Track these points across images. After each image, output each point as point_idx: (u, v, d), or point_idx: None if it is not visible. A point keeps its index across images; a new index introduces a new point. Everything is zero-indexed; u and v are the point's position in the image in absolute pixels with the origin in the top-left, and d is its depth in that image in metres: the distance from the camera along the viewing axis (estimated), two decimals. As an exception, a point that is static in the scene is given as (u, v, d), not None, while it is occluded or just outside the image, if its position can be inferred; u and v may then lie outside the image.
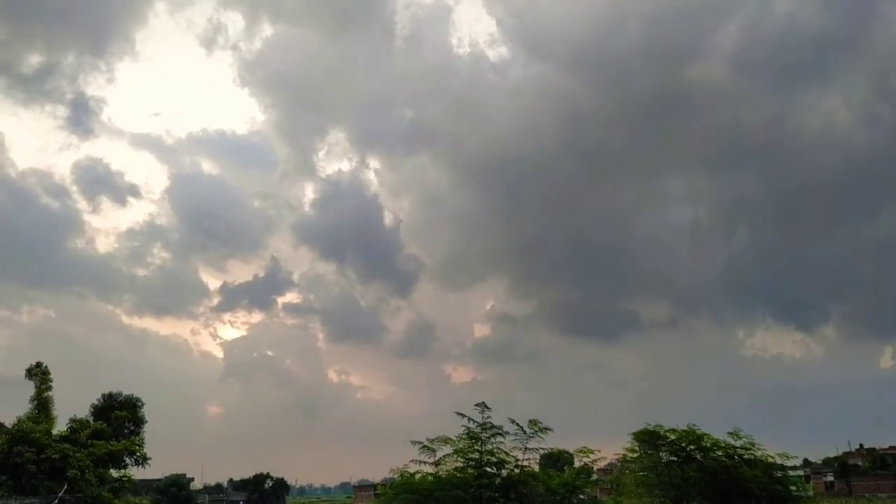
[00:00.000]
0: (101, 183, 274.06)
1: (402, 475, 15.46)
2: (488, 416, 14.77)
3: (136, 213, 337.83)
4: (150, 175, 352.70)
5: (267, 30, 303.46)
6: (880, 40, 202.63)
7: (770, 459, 18.10)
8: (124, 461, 32.20)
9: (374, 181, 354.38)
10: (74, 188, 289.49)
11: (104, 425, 34.14)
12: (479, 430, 14.74)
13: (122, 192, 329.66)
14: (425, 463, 15.10)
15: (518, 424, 14.87)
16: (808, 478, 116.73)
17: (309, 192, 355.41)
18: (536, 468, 16.22)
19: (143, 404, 41.93)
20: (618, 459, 21.34)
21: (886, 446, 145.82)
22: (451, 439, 15.11)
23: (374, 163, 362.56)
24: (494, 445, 14.85)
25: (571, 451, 19.80)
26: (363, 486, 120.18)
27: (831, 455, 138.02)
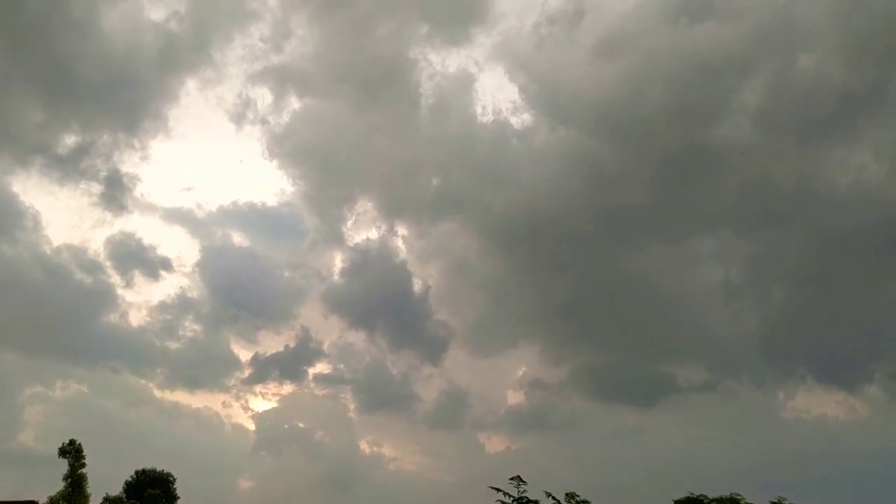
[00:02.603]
0: (134, 257, 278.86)
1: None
2: (524, 490, 14.48)
3: (168, 287, 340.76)
4: (182, 248, 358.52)
5: (294, 103, 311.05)
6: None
7: (817, 528, 17.49)
8: (157, 540, 31.93)
9: (402, 248, 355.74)
10: (108, 263, 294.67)
11: (138, 503, 34.01)
12: (514, 504, 14.43)
13: (154, 266, 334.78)
14: (461, 539, 14.81)
15: (555, 498, 14.54)
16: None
17: (338, 261, 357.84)
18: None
19: (174, 480, 41.80)
20: (659, 530, 20.72)
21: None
22: (486, 514, 14.81)
23: (401, 230, 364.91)
24: (532, 520, 14.51)
25: (611, 521, 19.27)
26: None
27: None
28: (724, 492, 18.01)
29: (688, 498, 18.26)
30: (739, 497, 17.56)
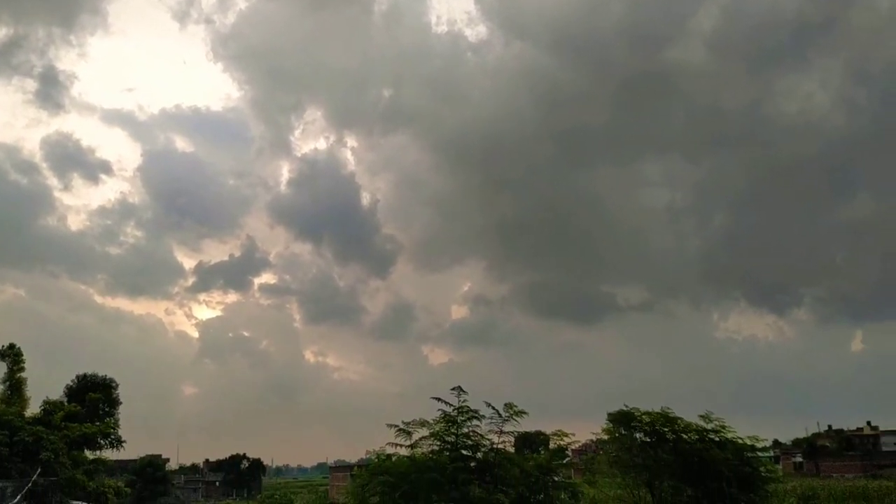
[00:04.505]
0: (72, 159, 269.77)
1: (378, 457, 15.52)
2: (464, 400, 14.87)
3: (108, 191, 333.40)
4: (123, 152, 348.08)
5: (241, 2, 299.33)
6: (858, 25, 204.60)
7: (740, 442, 18.46)
8: (99, 443, 32.01)
9: (351, 160, 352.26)
10: (44, 164, 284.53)
11: (78, 407, 33.87)
12: (455, 413, 14.83)
13: (93, 168, 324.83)
14: (401, 446, 15.20)
15: (494, 408, 15.00)
16: (777, 459, 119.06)
17: (285, 171, 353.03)
18: (512, 450, 16.37)
19: (117, 385, 41.75)
20: (593, 441, 21.67)
21: (854, 428, 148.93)
22: (427, 422, 15.19)
23: (351, 142, 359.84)
24: (470, 428, 14.96)
25: (547, 432, 20.04)
26: (340, 467, 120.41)
27: (801, 436, 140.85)
28: (657, 406, 18.82)
29: (621, 412, 18.98)
30: (670, 411, 18.36)
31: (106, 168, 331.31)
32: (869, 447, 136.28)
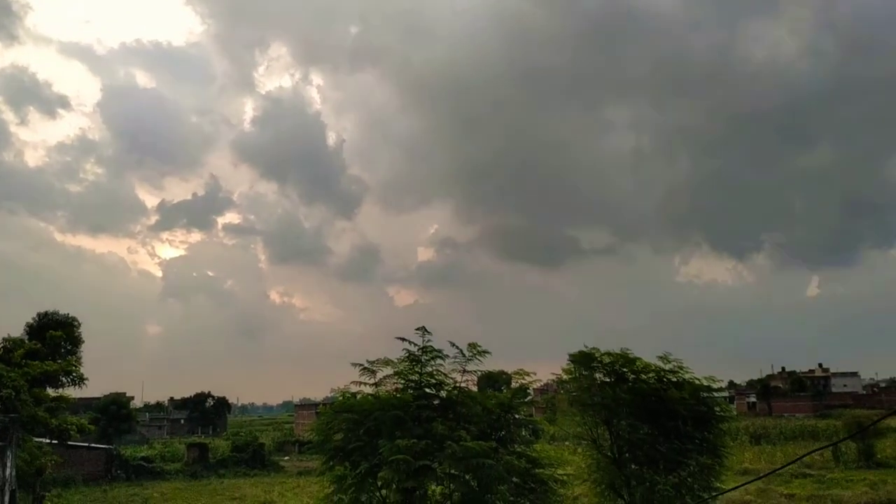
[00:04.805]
0: (28, 93, 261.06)
1: (342, 395, 15.67)
2: (429, 340, 15.00)
3: (66, 127, 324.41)
4: (81, 86, 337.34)
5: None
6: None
7: (697, 382, 18.97)
8: (61, 381, 31.78)
9: (316, 99, 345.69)
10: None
11: (39, 345, 33.48)
12: (419, 353, 14.97)
13: (51, 103, 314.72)
14: (365, 384, 15.34)
15: (458, 348, 15.15)
16: (731, 399, 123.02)
17: (249, 109, 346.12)
18: (475, 389, 16.63)
19: (79, 324, 41.24)
20: (554, 380, 22.06)
21: (806, 370, 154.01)
22: (391, 361, 15.34)
23: (317, 80, 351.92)
24: (434, 368, 15.14)
25: (510, 372, 20.35)
26: (305, 406, 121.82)
27: (755, 377, 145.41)
28: (617, 347, 19.19)
29: (581, 352, 19.32)
30: (629, 352, 18.74)
31: (64, 103, 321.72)
32: (820, 388, 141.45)
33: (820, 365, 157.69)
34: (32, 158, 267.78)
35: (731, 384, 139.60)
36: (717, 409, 18.87)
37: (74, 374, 31.88)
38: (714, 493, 17.52)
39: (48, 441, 31.80)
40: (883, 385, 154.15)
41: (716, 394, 20.03)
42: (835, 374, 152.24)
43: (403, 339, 15.04)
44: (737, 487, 15.96)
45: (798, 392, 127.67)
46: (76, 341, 38.77)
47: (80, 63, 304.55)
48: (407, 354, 15.10)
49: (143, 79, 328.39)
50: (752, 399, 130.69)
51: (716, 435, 18.47)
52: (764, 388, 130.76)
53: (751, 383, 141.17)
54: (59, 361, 32.45)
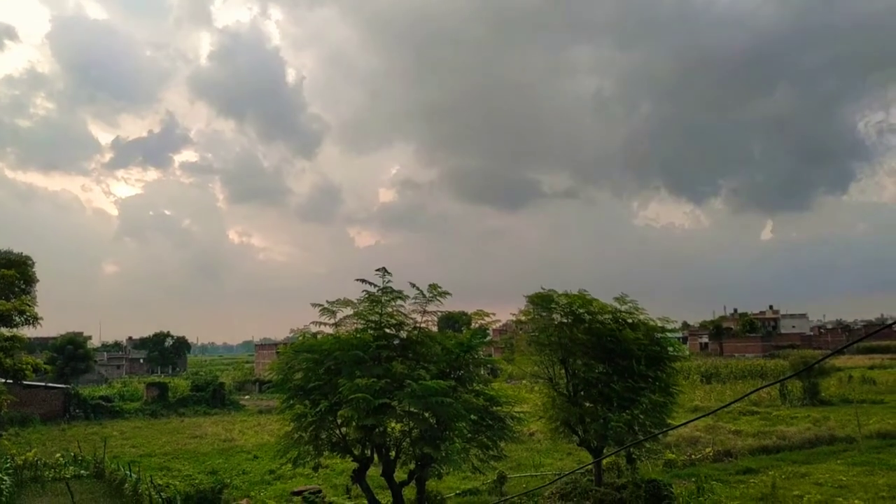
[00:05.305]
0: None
1: (303, 335, 15.71)
2: (389, 281, 15.04)
3: (14, 59, 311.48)
4: (28, 17, 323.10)
5: None
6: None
7: (651, 323, 19.46)
8: (14, 321, 31.30)
9: (275, 34, 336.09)
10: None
11: (-9, 284, 32.88)
12: (379, 293, 15.02)
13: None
14: (326, 324, 15.38)
15: (418, 289, 15.21)
16: (685, 339, 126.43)
17: (205, 44, 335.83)
18: (435, 329, 16.79)
19: (33, 263, 40.49)
20: (513, 321, 22.41)
21: (757, 312, 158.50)
22: (351, 302, 15.36)
23: (275, 14, 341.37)
24: (394, 308, 15.21)
25: (470, 313, 20.60)
26: (265, 345, 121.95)
27: (709, 319, 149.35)
28: (576, 289, 19.51)
29: (539, 294, 19.61)
30: (586, 293, 19.08)
31: (10, 34, 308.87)
32: (770, 329, 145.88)
33: (770, 307, 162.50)
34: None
35: (685, 325, 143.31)
36: (671, 349, 19.41)
37: (28, 314, 31.40)
38: (664, 429, 18.17)
39: (3, 381, 31.47)
40: (829, 327, 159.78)
41: (669, 334, 20.59)
42: (784, 316, 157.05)
43: (363, 281, 15.05)
44: (686, 423, 16.55)
45: (749, 333, 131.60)
46: (30, 280, 38.11)
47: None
48: (367, 295, 15.13)
49: (94, 10, 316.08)
50: (705, 339, 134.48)
51: (668, 374, 19.06)
52: (716, 329, 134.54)
53: (704, 324, 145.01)
54: (13, 301, 31.89)
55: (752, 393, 8.90)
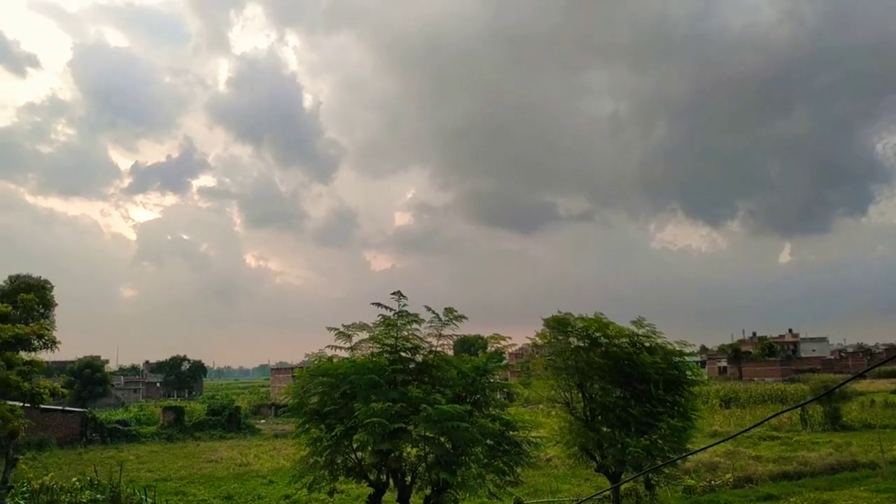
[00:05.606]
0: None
1: (318, 359, 15.70)
2: (405, 304, 15.02)
3: (36, 87, 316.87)
4: (51, 45, 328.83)
5: None
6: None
7: (669, 347, 19.27)
8: (33, 345, 31.47)
9: (292, 60, 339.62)
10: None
11: (10, 308, 33.12)
12: (395, 317, 15.00)
13: (19, 61, 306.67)
14: (341, 348, 15.37)
15: (434, 312, 15.19)
16: (703, 363, 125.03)
17: (223, 70, 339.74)
18: (451, 353, 16.72)
19: (52, 287, 40.89)
20: (529, 345, 22.28)
21: (776, 335, 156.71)
22: (367, 325, 15.36)
23: (292, 41, 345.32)
24: (410, 332, 15.18)
25: (486, 336, 20.49)
26: (281, 369, 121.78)
27: (727, 342, 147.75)
28: (592, 312, 19.38)
29: (556, 317, 19.50)
30: (603, 316, 18.95)
31: (33, 61, 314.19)
32: (789, 353, 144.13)
33: (790, 330, 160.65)
34: (1, 119, 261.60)
35: (703, 349, 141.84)
36: (689, 373, 19.20)
37: (47, 338, 31.54)
38: (683, 455, 17.91)
39: (20, 405, 31.59)
40: (850, 350, 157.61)
41: (687, 358, 20.38)
42: (804, 340, 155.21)
43: (379, 305, 15.05)
44: (705, 448, 16.31)
45: (768, 357, 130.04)
46: (49, 304, 38.43)
47: (50, 20, 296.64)
48: (382, 319, 15.12)
49: (115, 38, 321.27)
50: (723, 363, 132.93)
51: (686, 398, 18.81)
52: (735, 353, 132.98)
53: (722, 348, 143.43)
54: (32, 324, 32.09)
55: (772, 417, 8.78)
